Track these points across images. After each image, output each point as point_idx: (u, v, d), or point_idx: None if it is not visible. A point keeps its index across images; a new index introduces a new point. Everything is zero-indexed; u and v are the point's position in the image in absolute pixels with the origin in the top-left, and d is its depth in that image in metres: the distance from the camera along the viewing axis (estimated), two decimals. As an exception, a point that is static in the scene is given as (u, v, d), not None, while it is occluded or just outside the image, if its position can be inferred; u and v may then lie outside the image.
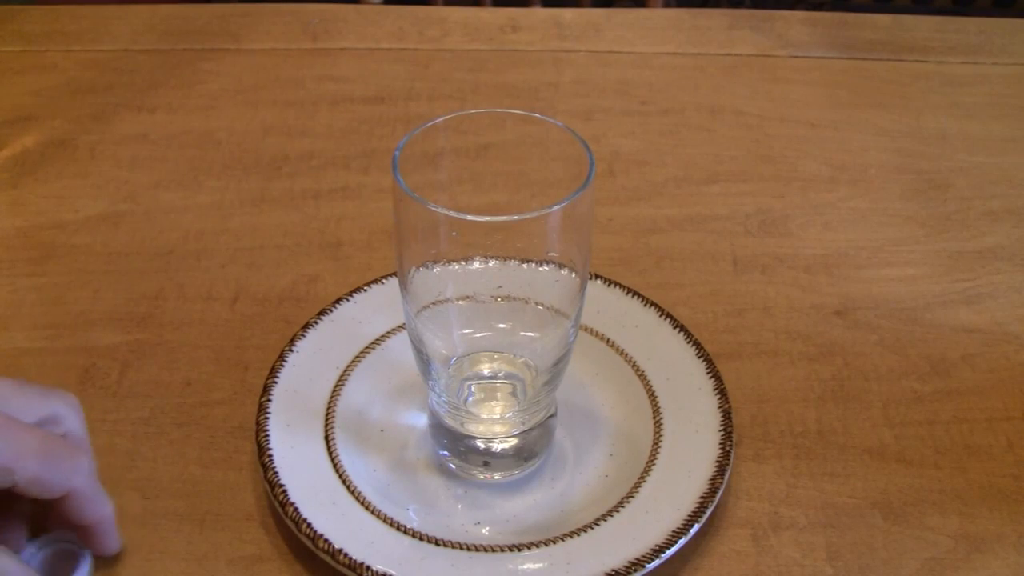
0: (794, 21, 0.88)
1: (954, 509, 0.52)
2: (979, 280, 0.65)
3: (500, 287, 0.48)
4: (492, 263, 0.47)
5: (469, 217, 0.43)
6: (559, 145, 0.47)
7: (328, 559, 0.46)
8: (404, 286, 0.48)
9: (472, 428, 0.51)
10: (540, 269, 0.47)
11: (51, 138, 0.75)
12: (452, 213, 0.43)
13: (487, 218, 0.43)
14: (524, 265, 0.47)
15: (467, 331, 0.51)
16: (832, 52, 0.84)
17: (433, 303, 0.48)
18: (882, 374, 0.58)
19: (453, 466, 0.52)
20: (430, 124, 0.46)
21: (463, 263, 0.47)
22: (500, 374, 0.51)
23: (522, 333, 0.51)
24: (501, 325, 0.51)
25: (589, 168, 0.44)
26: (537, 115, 0.47)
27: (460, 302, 0.49)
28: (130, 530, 0.50)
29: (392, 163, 0.44)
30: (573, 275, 0.47)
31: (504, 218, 0.43)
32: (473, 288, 0.48)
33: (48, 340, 0.60)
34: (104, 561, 0.49)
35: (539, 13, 0.89)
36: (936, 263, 0.65)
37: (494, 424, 0.51)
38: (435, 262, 0.47)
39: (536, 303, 0.49)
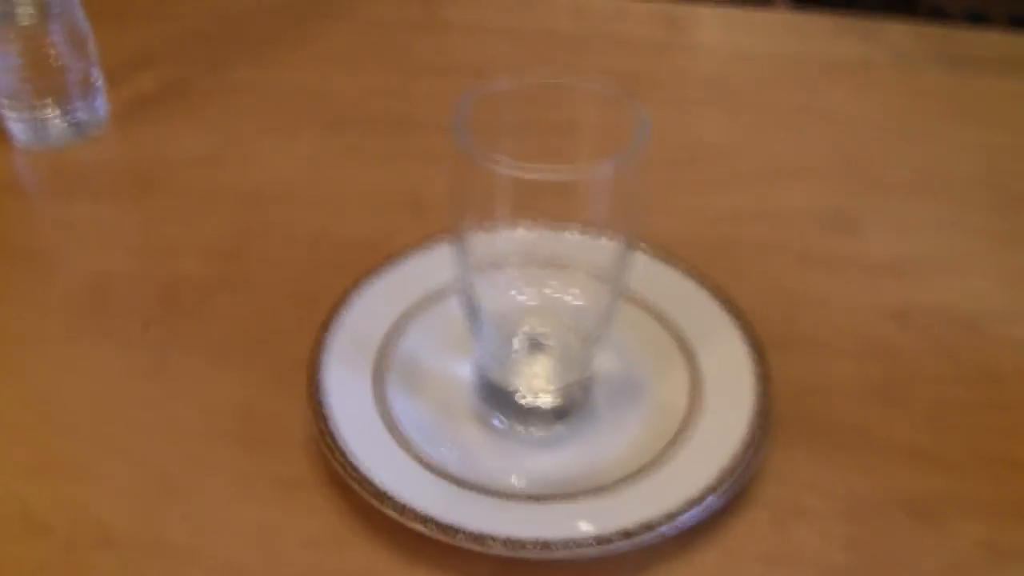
0: (903, 32, 0.88)
1: (983, 518, 0.52)
2: (1049, 299, 0.64)
3: (550, 253, 0.50)
4: (542, 231, 0.49)
5: (522, 174, 0.45)
6: (625, 119, 0.48)
7: (356, 487, 0.49)
8: (459, 246, 0.50)
9: (514, 382, 0.53)
10: (589, 237, 0.49)
11: (168, 81, 0.80)
12: (506, 170, 0.45)
13: (538, 174, 0.45)
14: (574, 233, 0.49)
15: (515, 293, 0.53)
16: (937, 65, 0.84)
17: (485, 265, 0.51)
18: (932, 379, 0.59)
19: (492, 418, 0.54)
20: (494, 88, 0.49)
21: (517, 228, 0.49)
22: (544, 332, 0.53)
23: (567, 297, 0.53)
24: (548, 289, 0.53)
25: (642, 133, 0.46)
26: (598, 86, 0.49)
27: (511, 266, 0.51)
28: (186, 443, 0.54)
29: (454, 121, 0.46)
30: (620, 244, 0.49)
31: (554, 175, 0.45)
32: (524, 253, 0.50)
33: (138, 264, 0.64)
34: (158, 467, 0.53)
35: (650, 6, 0.91)
36: (1006, 278, 0.65)
37: (535, 380, 0.53)
38: (490, 225, 0.49)
39: (583, 270, 0.51)
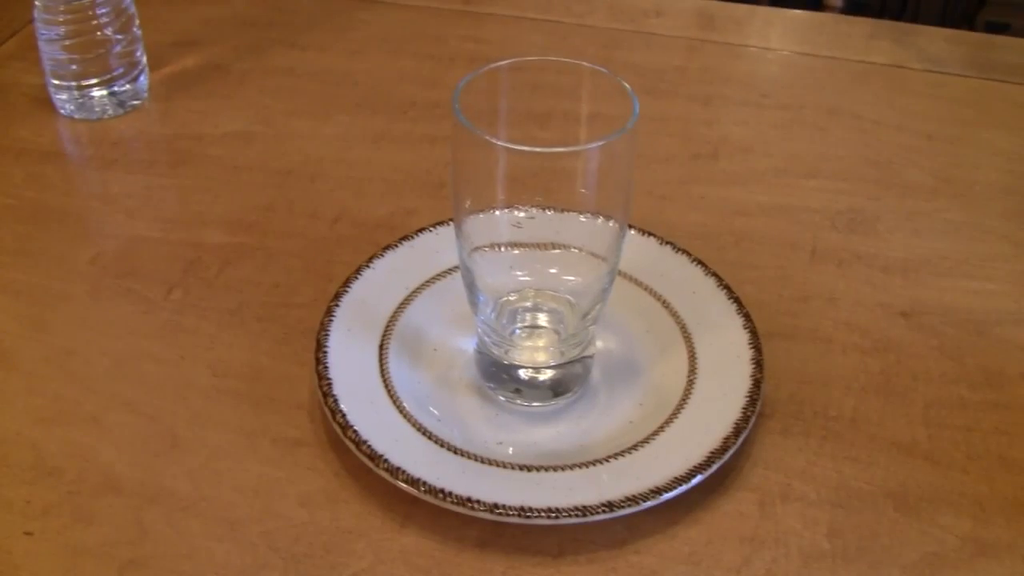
0: (937, 37, 0.88)
1: (970, 513, 0.52)
2: (1061, 306, 0.64)
3: (547, 234, 0.52)
4: (540, 212, 0.50)
5: (518, 147, 0.46)
6: (617, 97, 0.49)
7: (353, 448, 0.50)
8: (459, 227, 0.52)
9: (514, 357, 0.54)
10: (583, 218, 0.50)
11: (208, 61, 0.82)
12: (502, 143, 0.46)
13: (535, 149, 0.46)
14: (569, 214, 0.50)
15: (515, 271, 0.54)
16: (969, 71, 0.84)
17: (485, 245, 0.52)
18: (933, 377, 0.59)
19: (491, 391, 0.55)
20: (494, 66, 0.50)
21: (514, 208, 0.50)
22: (543, 308, 0.55)
23: (565, 276, 0.54)
24: (547, 268, 0.54)
25: (632, 116, 0.47)
26: (601, 68, 0.50)
27: (510, 245, 0.52)
28: (194, 400, 0.56)
29: (454, 98, 0.48)
30: (613, 223, 0.50)
31: (550, 150, 0.46)
32: (522, 233, 0.52)
33: (164, 232, 0.67)
34: (166, 422, 0.55)
35: (689, 2, 0.92)
36: (1018, 283, 0.65)
37: (535, 354, 0.55)
38: (488, 206, 0.50)
39: (579, 250, 0.52)
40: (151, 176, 0.71)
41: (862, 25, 0.89)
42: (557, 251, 0.53)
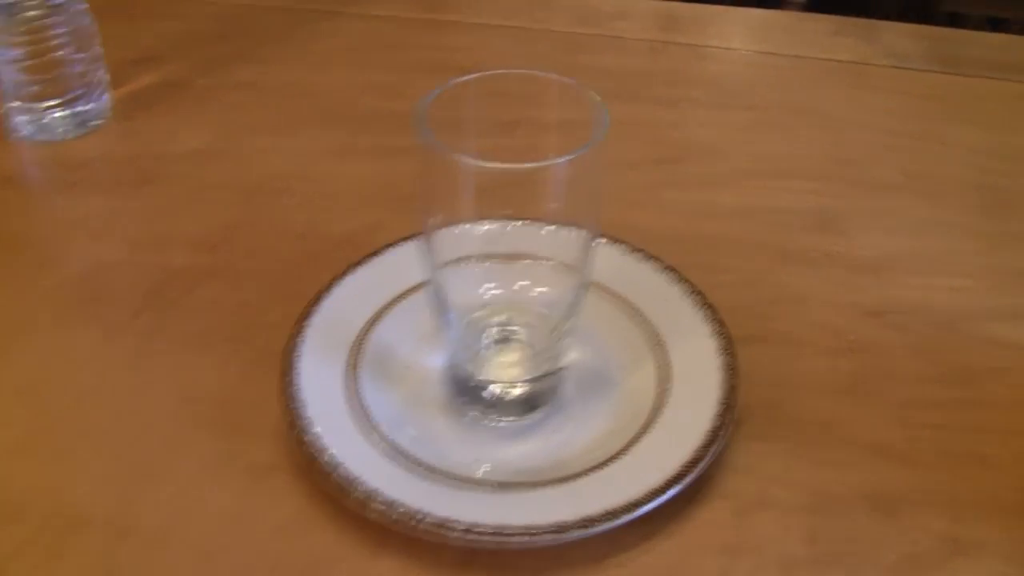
0: (903, 33, 0.88)
1: (946, 512, 0.52)
2: (1028, 300, 0.64)
3: (515, 245, 0.51)
4: (508, 224, 0.50)
5: (486, 164, 0.46)
6: (585, 108, 0.49)
7: (325, 474, 0.50)
8: (426, 242, 0.51)
9: (485, 373, 0.54)
10: (553, 229, 0.50)
11: (170, 78, 0.81)
12: (470, 160, 0.46)
13: (502, 165, 0.46)
14: (538, 224, 0.50)
15: (485, 286, 0.54)
16: (934, 66, 0.84)
17: (453, 260, 0.52)
18: (905, 376, 0.59)
19: (464, 408, 0.55)
20: (460, 81, 0.50)
21: (481, 222, 0.50)
22: (514, 324, 0.54)
23: (536, 289, 0.54)
24: (516, 280, 0.54)
25: (601, 128, 0.47)
26: (568, 80, 0.50)
27: (478, 260, 0.52)
28: (164, 427, 0.55)
29: (417, 115, 0.47)
30: (583, 234, 0.50)
31: (518, 167, 0.46)
32: (490, 246, 0.51)
33: (129, 254, 0.66)
34: (135, 451, 0.54)
35: (649, 5, 0.92)
36: (988, 278, 0.65)
37: (506, 369, 0.54)
38: (456, 220, 0.50)
39: (549, 261, 0.52)
40: (114, 197, 0.71)
41: (825, 22, 0.89)
42: (527, 263, 0.53)
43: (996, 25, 1.45)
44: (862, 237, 0.68)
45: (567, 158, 0.46)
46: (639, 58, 0.84)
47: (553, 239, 0.51)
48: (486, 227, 0.50)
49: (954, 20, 1.57)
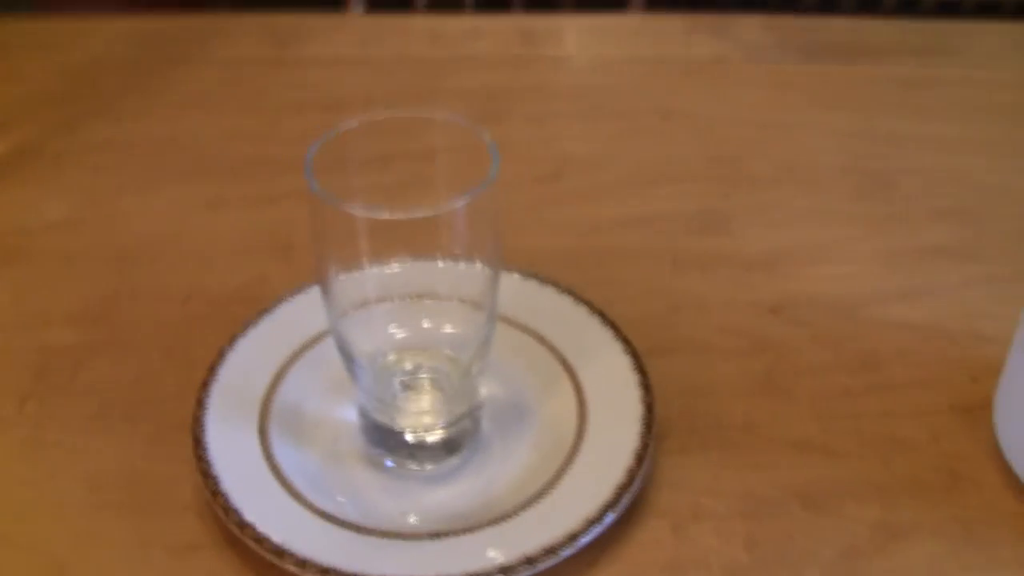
0: (753, 26, 0.90)
1: (875, 499, 0.53)
2: (918, 278, 0.66)
3: (419, 286, 0.50)
4: (409, 264, 0.49)
5: (381, 215, 0.44)
6: (475, 146, 0.48)
7: (255, 546, 0.48)
8: (326, 291, 0.49)
9: (400, 422, 0.53)
10: (455, 265, 0.49)
11: (18, 145, 0.77)
12: (363, 211, 0.44)
13: (398, 215, 0.44)
14: (439, 263, 0.49)
15: (390, 330, 0.53)
16: (788, 56, 0.86)
17: (355, 306, 0.50)
18: (813, 369, 0.60)
19: (384, 459, 0.53)
20: (345, 128, 0.48)
21: (381, 266, 0.48)
22: (424, 368, 0.53)
23: (442, 329, 0.53)
24: (422, 322, 0.53)
25: (493, 164, 0.46)
26: (448, 116, 0.49)
27: (380, 304, 0.51)
28: (74, 520, 0.52)
29: (305, 167, 0.46)
30: (486, 269, 0.49)
31: (413, 215, 0.45)
32: (392, 289, 0.50)
33: (6, 339, 0.62)
34: (47, 550, 0.51)
35: (504, 20, 0.91)
36: (877, 261, 0.67)
37: (421, 417, 0.53)
38: (354, 266, 0.48)
39: (454, 299, 0.51)
40: (-22, 280, 0.67)
41: (677, 21, 0.90)
42: (432, 302, 0.52)
43: (828, 8, 1.48)
44: (748, 234, 0.69)
45: (463, 201, 0.45)
46: (501, 76, 0.84)
47: (455, 275, 0.50)
48: (385, 270, 0.49)
49: (788, 5, 1.60)
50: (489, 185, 0.45)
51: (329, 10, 0.95)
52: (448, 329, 0.53)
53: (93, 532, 0.52)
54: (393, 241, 0.47)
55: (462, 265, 0.49)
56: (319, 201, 0.45)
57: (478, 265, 0.49)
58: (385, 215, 0.44)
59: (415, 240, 0.47)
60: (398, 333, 0.53)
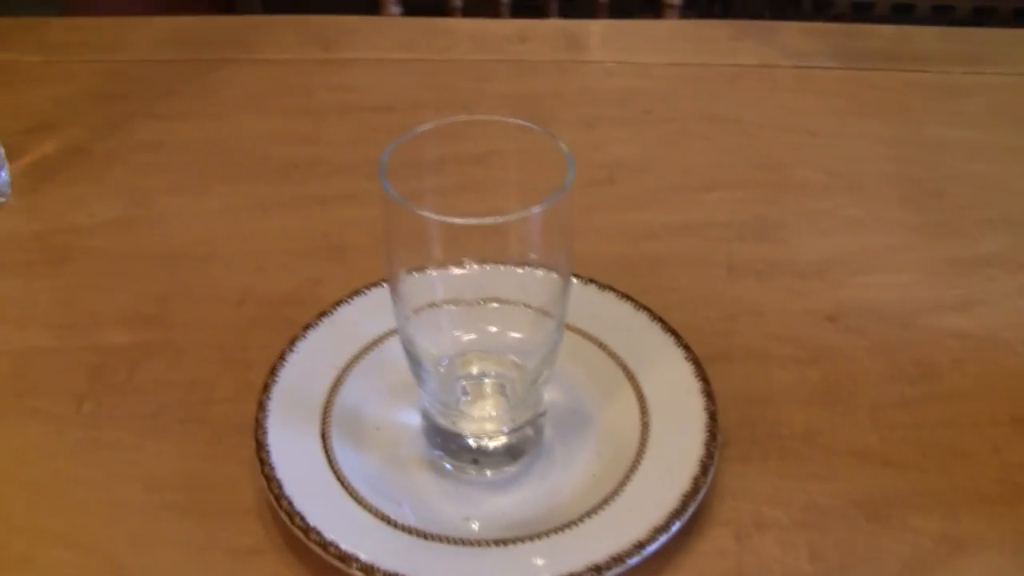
0: (797, 32, 0.89)
1: (937, 511, 0.53)
2: (972, 287, 0.65)
3: (487, 289, 0.50)
4: (479, 267, 0.48)
5: (453, 220, 0.44)
6: (544, 151, 0.48)
7: (319, 551, 0.48)
8: (394, 291, 0.49)
9: (463, 426, 0.52)
10: (525, 271, 0.49)
11: (69, 145, 0.77)
12: (436, 217, 0.44)
13: (470, 221, 0.44)
14: (509, 268, 0.49)
15: (457, 333, 0.53)
16: (834, 62, 0.85)
17: (423, 307, 0.50)
18: (871, 378, 0.59)
19: (445, 463, 0.53)
20: (419, 131, 0.48)
21: (451, 267, 0.48)
22: (490, 374, 0.53)
23: (510, 334, 0.53)
24: (489, 327, 0.53)
25: (569, 172, 0.46)
26: (523, 122, 0.49)
27: (449, 305, 0.51)
28: (132, 521, 0.52)
29: (379, 169, 0.46)
30: (556, 276, 0.49)
31: (486, 220, 0.44)
32: (461, 291, 0.50)
33: (60, 339, 0.62)
34: (106, 550, 0.51)
35: (547, 25, 0.91)
36: (929, 270, 0.66)
37: (484, 422, 0.53)
38: (424, 267, 0.48)
39: (522, 304, 0.51)
40: (31, 279, 0.67)
41: (723, 28, 0.90)
42: (501, 307, 0.52)
43: (862, 10, 1.49)
44: (800, 242, 0.68)
45: (539, 208, 0.45)
46: (548, 80, 0.84)
47: (526, 281, 0.50)
48: (455, 272, 0.49)
49: (821, 8, 1.61)
50: (565, 193, 0.45)
51: (364, 13, 0.95)
52: (515, 335, 0.53)
53: (152, 534, 0.52)
54: (465, 245, 0.47)
55: (532, 271, 0.49)
56: (393, 204, 0.45)
57: (548, 272, 0.49)
58: (459, 221, 0.44)
59: (486, 245, 0.47)
60: (464, 336, 0.53)
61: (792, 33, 0.89)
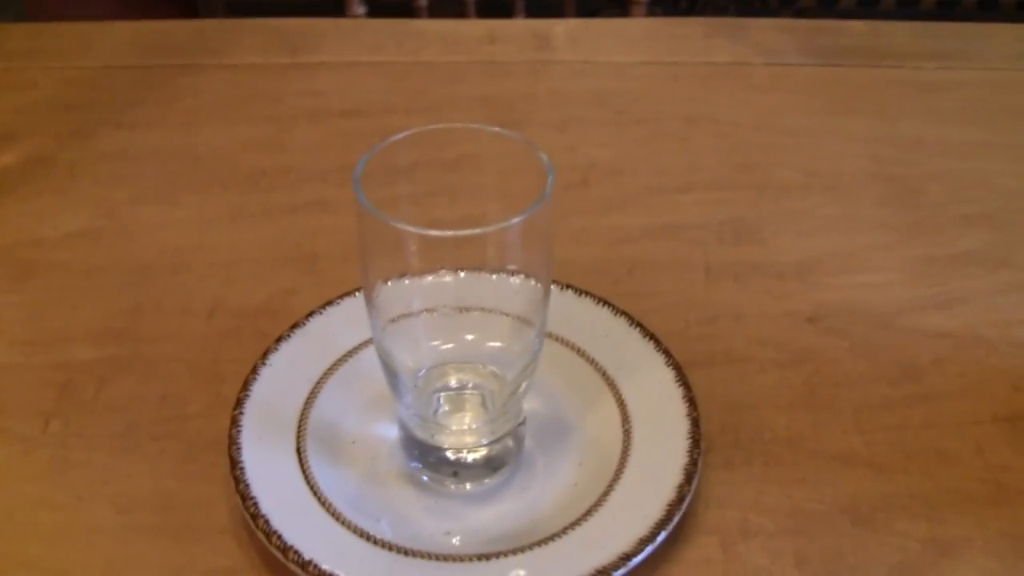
0: (770, 29, 0.89)
1: (923, 514, 0.52)
2: (951, 285, 0.65)
3: (465, 298, 0.49)
4: (456, 275, 0.47)
5: (430, 232, 0.43)
6: (521, 158, 0.47)
7: (298, 570, 0.47)
8: (370, 301, 0.48)
9: (441, 439, 0.51)
10: (504, 280, 0.48)
11: (31, 155, 0.76)
12: (413, 228, 0.43)
13: (448, 233, 0.43)
14: (488, 276, 0.48)
15: (434, 343, 0.51)
16: (808, 59, 0.85)
17: (399, 317, 0.49)
18: (853, 380, 0.59)
19: (424, 477, 0.52)
20: (392, 140, 0.47)
21: (427, 276, 0.47)
22: (468, 385, 0.52)
23: (488, 343, 0.52)
24: (467, 336, 0.52)
25: (548, 181, 0.45)
26: (498, 129, 0.48)
27: (426, 315, 0.49)
28: (105, 544, 0.51)
29: (353, 180, 0.45)
30: (536, 284, 0.48)
31: (464, 232, 0.43)
32: (438, 300, 0.49)
33: (26, 356, 0.61)
34: (77, 573, 0.50)
35: (517, 25, 0.90)
36: (909, 269, 0.66)
37: (463, 435, 0.52)
38: (399, 276, 0.47)
39: (501, 313, 0.50)
40: (-6, 294, 0.65)
41: (695, 25, 0.89)
42: (478, 316, 0.50)
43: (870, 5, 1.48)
44: (778, 243, 0.68)
45: (517, 220, 0.44)
46: (518, 82, 0.83)
47: (503, 289, 0.49)
48: (432, 281, 0.48)
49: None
50: (544, 202, 0.44)
51: (328, 13, 0.93)
52: (494, 344, 0.52)
53: (125, 557, 0.51)
54: (442, 255, 0.46)
55: (511, 279, 0.48)
56: (368, 215, 0.44)
57: (527, 280, 0.48)
58: (437, 233, 0.43)
59: (464, 254, 0.46)
60: (442, 346, 0.52)
61: (764, 30, 0.89)
